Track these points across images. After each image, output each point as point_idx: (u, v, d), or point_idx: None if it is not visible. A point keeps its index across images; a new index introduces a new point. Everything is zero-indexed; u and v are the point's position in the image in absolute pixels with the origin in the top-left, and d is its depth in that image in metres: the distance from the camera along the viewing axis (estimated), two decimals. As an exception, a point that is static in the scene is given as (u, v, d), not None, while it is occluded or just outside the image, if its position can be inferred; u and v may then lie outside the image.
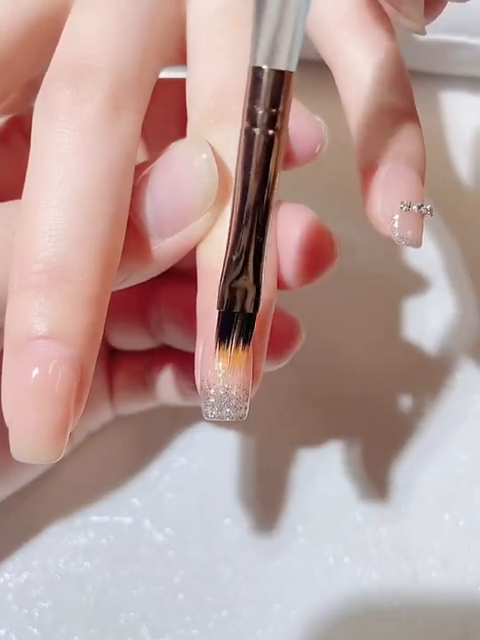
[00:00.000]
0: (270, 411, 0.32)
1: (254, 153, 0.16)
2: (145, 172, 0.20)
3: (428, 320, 0.34)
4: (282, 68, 0.15)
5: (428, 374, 0.33)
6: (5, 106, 0.25)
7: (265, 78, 0.15)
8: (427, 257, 0.35)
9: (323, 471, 0.31)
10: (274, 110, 0.16)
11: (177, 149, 0.20)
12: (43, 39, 0.22)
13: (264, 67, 0.15)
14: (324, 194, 0.35)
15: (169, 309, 0.28)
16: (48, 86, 0.19)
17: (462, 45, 0.37)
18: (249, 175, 0.16)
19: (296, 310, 0.26)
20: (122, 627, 0.28)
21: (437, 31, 0.36)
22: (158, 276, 0.22)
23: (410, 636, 0.28)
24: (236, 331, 0.18)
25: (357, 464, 0.31)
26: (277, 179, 0.17)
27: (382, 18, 0.23)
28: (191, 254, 0.21)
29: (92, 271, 0.18)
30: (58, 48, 0.20)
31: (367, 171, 0.21)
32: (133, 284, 0.21)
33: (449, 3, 0.19)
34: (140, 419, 0.31)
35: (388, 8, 0.22)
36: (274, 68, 0.15)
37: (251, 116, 0.16)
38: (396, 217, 0.20)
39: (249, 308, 0.18)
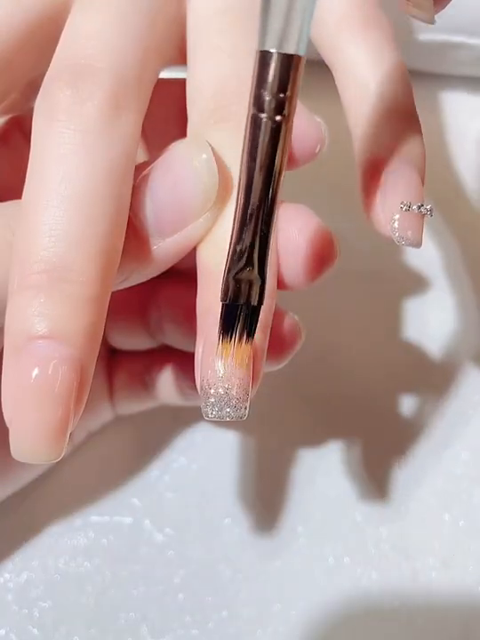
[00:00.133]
0: (270, 411, 0.32)
1: (261, 139, 0.16)
2: (145, 172, 0.20)
3: (428, 320, 0.34)
4: (291, 51, 0.15)
5: (428, 374, 0.33)
6: (5, 106, 0.25)
7: (273, 63, 0.15)
8: (427, 257, 0.35)
9: (323, 471, 0.31)
10: (282, 95, 0.15)
11: (177, 149, 0.20)
12: (43, 39, 0.22)
13: (272, 50, 0.15)
14: (324, 194, 0.35)
15: (169, 309, 0.28)
16: (48, 86, 0.19)
17: (462, 45, 0.37)
18: (255, 163, 0.16)
19: (296, 310, 0.26)
20: (122, 627, 0.28)
21: (437, 31, 0.36)
22: (158, 276, 0.22)
23: (410, 636, 0.28)
24: (239, 323, 0.18)
25: (357, 464, 0.31)
26: (284, 167, 0.16)
27: (382, 18, 0.23)
28: (191, 254, 0.21)
29: (92, 271, 0.18)
30: (58, 48, 0.20)
31: (367, 171, 0.21)
32: (133, 283, 0.21)
33: (451, 1, 0.19)
34: (140, 419, 0.31)
35: None
36: (283, 51, 0.15)
37: (258, 102, 0.16)
38: (397, 217, 0.20)
39: (254, 301, 0.17)
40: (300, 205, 0.22)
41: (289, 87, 0.15)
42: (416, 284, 0.35)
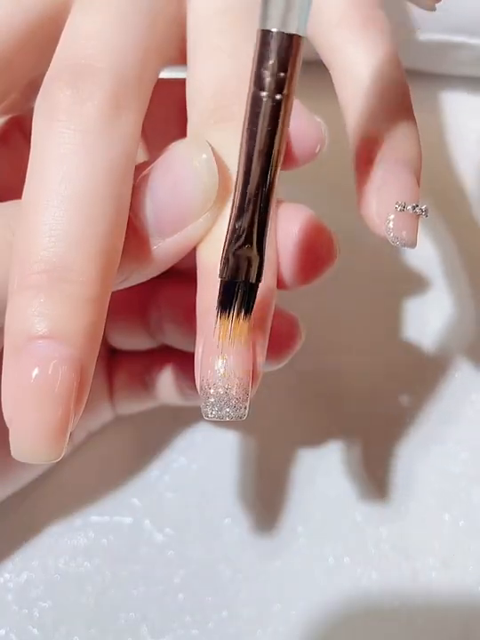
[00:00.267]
0: (270, 411, 0.32)
1: (261, 117, 0.16)
2: (145, 172, 0.20)
3: (427, 320, 0.34)
4: (292, 31, 0.15)
5: (428, 374, 0.33)
6: (5, 106, 0.25)
7: (274, 42, 0.15)
8: (427, 257, 0.35)
9: (323, 471, 0.31)
10: (282, 74, 0.16)
11: (177, 149, 0.20)
12: (43, 39, 0.22)
13: (273, 30, 0.15)
14: (324, 194, 0.35)
15: (169, 309, 0.28)
16: (48, 86, 0.19)
17: (462, 45, 0.37)
18: (254, 141, 0.16)
19: (296, 310, 0.26)
20: (122, 627, 0.28)
21: (437, 31, 0.36)
22: (158, 276, 0.22)
23: (410, 636, 0.28)
24: (237, 300, 0.18)
25: (357, 464, 0.31)
26: (283, 146, 0.17)
27: (381, 18, 0.23)
28: (191, 254, 0.21)
29: (92, 271, 0.18)
30: (58, 48, 0.20)
31: (363, 170, 0.21)
32: (133, 283, 0.21)
33: (450, 1, 0.19)
34: (140, 419, 0.31)
35: None
36: (284, 31, 0.15)
37: (258, 81, 0.16)
38: (391, 217, 0.20)
39: (252, 278, 0.18)
40: (299, 205, 0.22)
41: (289, 67, 0.16)
42: (416, 284, 0.35)
